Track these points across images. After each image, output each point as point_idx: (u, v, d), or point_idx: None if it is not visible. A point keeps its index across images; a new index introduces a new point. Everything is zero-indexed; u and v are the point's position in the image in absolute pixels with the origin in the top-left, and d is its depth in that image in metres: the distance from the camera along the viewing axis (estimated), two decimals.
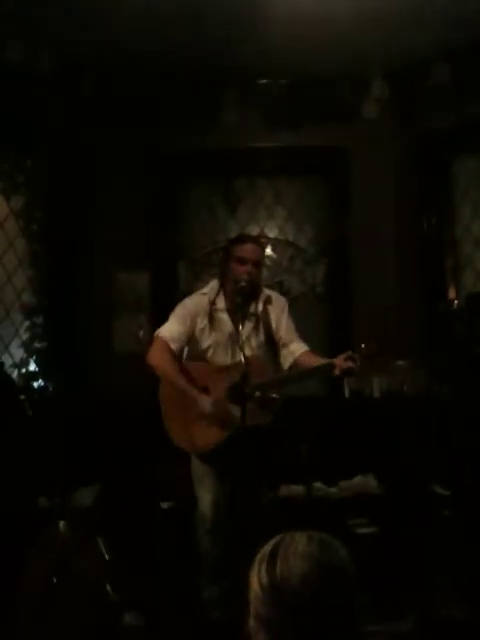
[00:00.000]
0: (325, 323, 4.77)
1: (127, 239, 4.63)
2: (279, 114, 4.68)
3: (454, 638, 2.74)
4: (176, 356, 3.01)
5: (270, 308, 3.06)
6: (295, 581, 1.09)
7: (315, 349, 3.12)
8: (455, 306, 4.35)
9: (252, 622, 1.12)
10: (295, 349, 3.04)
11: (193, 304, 3.07)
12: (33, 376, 4.40)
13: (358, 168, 4.71)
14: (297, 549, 1.13)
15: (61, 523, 1.75)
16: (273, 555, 1.14)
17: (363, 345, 2.78)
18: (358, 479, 3.88)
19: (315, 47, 4.12)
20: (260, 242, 3.17)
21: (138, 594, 3.03)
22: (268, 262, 4.62)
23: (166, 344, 3.00)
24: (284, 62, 4.33)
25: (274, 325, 3.04)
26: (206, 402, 2.87)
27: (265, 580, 1.12)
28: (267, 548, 1.16)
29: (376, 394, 4.06)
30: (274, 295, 3.15)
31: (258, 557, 1.16)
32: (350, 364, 2.75)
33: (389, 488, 3.77)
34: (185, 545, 3.14)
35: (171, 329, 3.03)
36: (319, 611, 1.08)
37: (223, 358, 3.01)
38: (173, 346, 3.00)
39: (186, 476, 3.07)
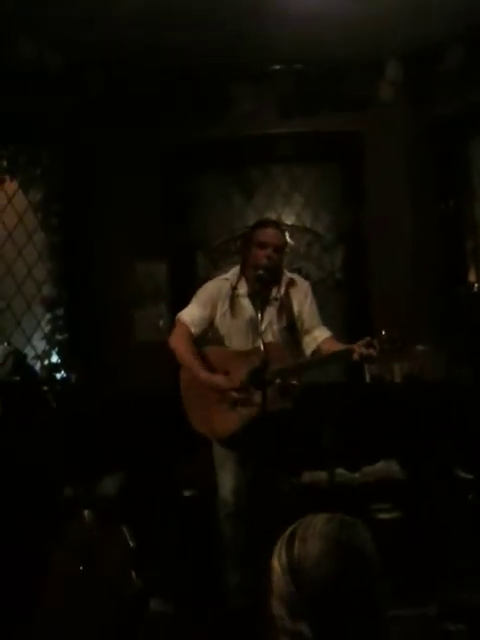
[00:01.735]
0: (344, 309, 4.76)
1: (144, 229, 4.64)
2: (293, 101, 4.65)
3: (475, 624, 2.74)
4: (195, 340, 3.02)
5: (293, 292, 3.05)
6: (313, 561, 1.09)
7: (334, 335, 3.11)
8: (476, 289, 4.31)
9: (274, 604, 1.12)
10: (318, 335, 3.03)
11: (215, 288, 3.08)
12: (56, 367, 4.45)
13: (373, 153, 4.67)
14: (316, 529, 1.12)
15: (86, 512, 1.77)
16: (292, 535, 1.14)
17: (383, 331, 2.76)
18: (380, 464, 3.87)
19: (328, 32, 4.08)
20: (281, 227, 3.15)
21: (163, 581, 3.07)
22: (286, 249, 4.60)
23: (186, 328, 3.01)
24: (297, 48, 4.29)
25: (297, 310, 3.03)
26: (218, 379, 2.88)
27: (284, 560, 1.12)
28: (289, 529, 1.16)
29: (397, 379, 4.05)
30: (298, 279, 3.14)
31: (280, 539, 1.16)
32: (370, 351, 2.74)
33: (412, 473, 3.76)
34: (208, 532, 3.17)
35: (192, 313, 3.04)
36: (338, 592, 1.07)
37: (243, 343, 3.01)
38: (193, 330, 3.01)
39: (208, 464, 3.09)
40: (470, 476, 3.57)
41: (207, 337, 3.12)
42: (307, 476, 3.74)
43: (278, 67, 4.63)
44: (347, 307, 4.77)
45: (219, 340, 3.08)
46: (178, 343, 3.02)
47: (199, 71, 4.49)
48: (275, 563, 1.13)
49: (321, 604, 1.07)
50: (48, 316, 4.52)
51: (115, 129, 4.53)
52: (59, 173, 4.53)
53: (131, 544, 1.63)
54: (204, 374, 2.91)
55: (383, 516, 3.53)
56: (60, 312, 4.52)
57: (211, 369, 2.97)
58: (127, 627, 1.66)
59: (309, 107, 4.64)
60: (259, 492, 2.86)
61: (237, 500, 2.94)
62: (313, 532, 1.13)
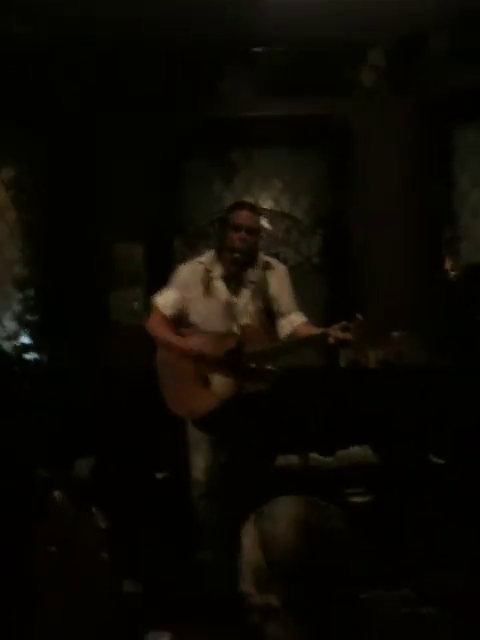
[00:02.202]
0: (321, 294, 4.75)
1: (122, 210, 4.59)
2: (276, 84, 4.61)
3: (448, 607, 2.77)
4: (171, 322, 3.00)
5: (269, 275, 3.03)
6: (282, 539, 1.09)
7: (312, 320, 3.11)
8: (453, 276, 4.34)
9: (244, 580, 1.11)
10: (293, 319, 3.03)
11: (189, 271, 3.06)
12: (27, 348, 4.39)
13: (355, 138, 4.66)
14: (286, 509, 1.13)
15: (57, 493, 1.74)
16: (262, 514, 1.14)
17: (358, 316, 2.77)
18: (354, 449, 3.89)
19: (313, 16, 4.05)
20: (256, 209, 3.13)
21: (136, 563, 3.06)
22: (264, 234, 4.58)
23: (162, 312, 3.00)
24: (282, 30, 4.25)
25: (272, 293, 3.01)
26: (203, 348, 2.85)
27: (255, 537, 1.12)
28: (259, 509, 1.16)
29: (372, 364, 4.06)
30: (274, 262, 3.13)
31: (250, 518, 1.16)
32: (346, 335, 2.74)
33: (385, 458, 3.78)
34: (180, 514, 3.16)
35: (166, 297, 3.03)
36: (306, 569, 1.07)
37: (219, 326, 2.99)
38: (168, 313, 3.00)
39: (182, 446, 3.08)
40: (442, 461, 3.60)
41: (183, 321, 3.09)
42: (281, 459, 3.75)
43: (261, 49, 4.58)
44: (325, 293, 4.77)
45: (194, 323, 3.06)
46: (156, 327, 3.01)
47: (182, 53, 4.43)
48: (245, 540, 1.13)
49: (290, 581, 1.06)
50: (19, 296, 4.45)
51: (94, 109, 4.46)
52: (33, 150, 4.45)
53: (102, 525, 1.61)
54: (187, 346, 2.90)
55: (356, 500, 3.56)
56: (31, 292, 4.44)
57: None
58: (99, 608, 1.64)
59: (292, 91, 4.61)
60: (233, 474, 2.86)
61: (210, 481, 2.94)
62: (283, 511, 1.13)
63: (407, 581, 2.90)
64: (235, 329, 2.77)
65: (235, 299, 2.88)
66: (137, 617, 2.77)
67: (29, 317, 4.42)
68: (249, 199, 4.77)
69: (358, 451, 3.86)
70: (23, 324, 4.42)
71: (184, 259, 4.52)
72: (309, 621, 1.04)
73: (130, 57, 4.44)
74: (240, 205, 3.11)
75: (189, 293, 3.02)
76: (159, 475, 3.77)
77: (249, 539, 1.13)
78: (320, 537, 1.10)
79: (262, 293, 3.00)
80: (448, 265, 4.45)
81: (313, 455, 3.80)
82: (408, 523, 3.33)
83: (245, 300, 2.97)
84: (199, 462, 2.97)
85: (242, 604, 1.11)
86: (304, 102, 4.62)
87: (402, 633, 2.58)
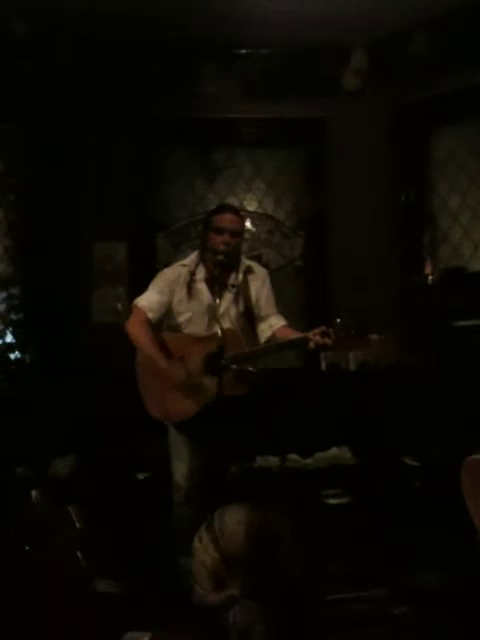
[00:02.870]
0: (303, 297, 4.79)
1: (105, 209, 4.59)
2: (259, 85, 4.63)
3: (424, 606, 2.82)
4: (153, 325, 3.01)
5: (251, 279, 3.05)
6: (233, 540, 1.29)
7: (293, 322, 3.14)
8: (430, 280, 4.40)
9: (200, 578, 1.21)
10: (274, 323, 3.05)
11: (173, 274, 3.07)
12: (9, 348, 4.38)
13: (337, 140, 4.69)
14: (234, 516, 1.33)
15: (33, 492, 1.75)
16: (211, 522, 1.35)
17: (338, 320, 2.79)
18: (333, 451, 3.94)
19: (296, 18, 4.07)
20: (239, 212, 3.14)
21: (114, 563, 3.07)
22: (247, 236, 4.60)
23: (143, 313, 3.00)
24: (265, 32, 4.28)
25: (254, 297, 3.04)
26: (176, 371, 2.87)
27: (207, 538, 1.34)
28: (208, 518, 1.28)
29: (352, 367, 4.11)
30: (255, 266, 3.15)
31: (201, 527, 1.28)
32: (325, 339, 2.76)
33: (362, 460, 3.83)
34: (161, 515, 3.18)
35: (149, 298, 3.03)
36: (252, 564, 1.26)
37: (201, 329, 3.01)
38: (150, 315, 3.00)
39: (163, 446, 3.09)
40: (417, 463, 3.66)
41: (163, 324, 3.11)
42: (260, 461, 3.78)
43: (245, 50, 4.60)
44: (306, 294, 4.81)
45: (176, 327, 3.07)
46: (136, 329, 3.00)
47: (166, 52, 4.44)
48: (197, 544, 1.33)
49: (245, 572, 1.26)
50: (3, 294, 4.44)
51: (78, 106, 4.45)
52: (18, 148, 4.43)
53: (78, 524, 1.62)
54: (163, 363, 2.90)
55: (333, 501, 3.60)
56: (15, 291, 4.44)
57: (168, 355, 2.96)
58: (73, 607, 1.66)
59: (275, 92, 4.63)
60: (213, 477, 2.87)
61: (190, 485, 2.95)
62: (232, 516, 1.33)
63: (381, 581, 2.96)
64: (217, 332, 2.78)
65: (217, 302, 2.89)
66: (116, 618, 2.79)
67: (13, 316, 4.41)
68: (233, 200, 4.81)
69: (336, 453, 3.90)
70: (6, 323, 4.40)
71: (167, 257, 4.58)
72: (266, 605, 1.20)
73: (114, 56, 4.44)
74: (223, 208, 3.12)
75: (172, 295, 3.03)
76: (141, 476, 3.79)
77: (201, 543, 1.31)
78: (263, 534, 1.29)
79: (243, 297, 3.02)
80: (427, 269, 4.51)
81: (292, 456, 3.84)
82: (383, 524, 3.38)
83: (227, 303, 2.99)
84: (180, 466, 2.97)
85: (191, 602, 1.23)
86: (287, 103, 4.65)
87: (375, 632, 2.63)
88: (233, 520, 1.31)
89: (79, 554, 1.56)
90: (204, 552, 1.29)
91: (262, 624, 1.18)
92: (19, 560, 1.69)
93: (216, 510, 1.35)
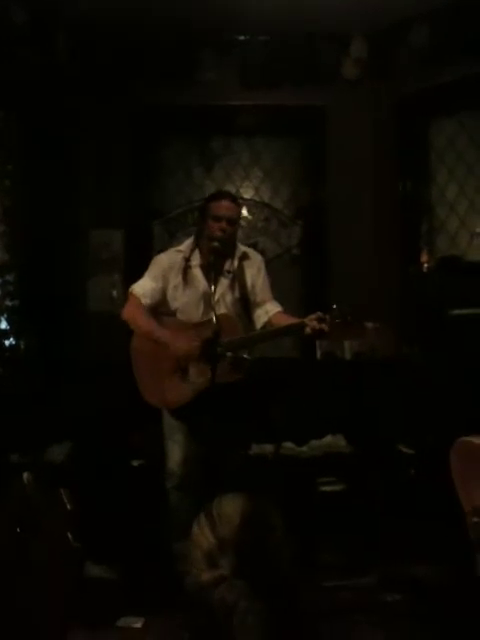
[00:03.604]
0: (300, 285, 4.78)
1: (101, 196, 4.57)
2: (257, 72, 4.61)
3: (417, 594, 2.83)
4: (148, 311, 3.01)
5: (246, 265, 3.05)
6: (227, 524, 1.32)
7: (289, 311, 3.13)
8: (425, 269, 4.39)
9: (195, 560, 1.31)
10: (269, 309, 3.05)
11: (167, 260, 3.06)
12: (4, 334, 4.37)
13: (336, 129, 4.67)
14: (230, 503, 1.37)
15: (25, 474, 1.74)
16: (210, 509, 1.37)
17: (334, 306, 2.79)
18: (328, 439, 3.94)
19: (296, 5, 4.04)
20: (236, 199, 3.13)
21: (109, 548, 3.08)
22: (243, 223, 4.59)
23: (139, 300, 3.00)
24: (264, 19, 4.25)
25: (249, 283, 3.03)
26: (180, 344, 2.86)
27: (205, 523, 1.34)
28: (205, 507, 1.38)
29: (347, 356, 4.10)
30: (251, 252, 3.14)
31: (199, 514, 1.38)
32: (322, 325, 2.75)
33: (357, 448, 3.83)
34: (156, 502, 3.18)
35: (144, 285, 3.02)
36: (249, 547, 1.30)
37: (196, 315, 3.00)
38: (145, 302, 3.00)
39: (158, 434, 3.09)
40: (411, 451, 3.66)
41: (158, 311, 3.10)
42: (255, 448, 3.78)
43: (244, 37, 4.57)
44: (303, 283, 4.80)
45: (171, 313, 3.06)
46: (133, 314, 3.00)
47: (164, 38, 4.41)
48: (195, 528, 1.36)
49: (236, 553, 1.29)
50: None
51: (75, 93, 4.43)
52: (14, 134, 4.40)
53: (68, 507, 1.62)
54: (166, 336, 2.90)
55: (328, 489, 3.60)
56: (11, 277, 4.42)
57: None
58: (65, 590, 1.65)
59: (273, 79, 4.61)
60: (207, 464, 2.87)
61: (184, 472, 2.94)
62: (228, 503, 1.37)
63: (374, 569, 2.97)
64: (212, 318, 2.78)
65: (213, 288, 2.88)
66: (110, 603, 2.79)
67: (8, 302, 4.39)
68: (230, 187, 4.79)
69: (331, 441, 3.90)
70: (1, 309, 4.39)
71: (163, 246, 4.56)
72: (253, 584, 1.26)
73: (112, 42, 4.41)
74: (220, 195, 3.11)
75: (167, 282, 3.02)
76: (135, 463, 3.78)
77: (199, 527, 1.35)
78: (256, 521, 1.35)
79: (239, 283, 3.01)
80: (424, 258, 4.50)
81: (287, 444, 3.84)
82: (377, 512, 3.38)
83: (222, 290, 2.99)
84: (174, 453, 2.97)
85: (185, 587, 1.32)
86: (285, 92, 4.63)
87: (368, 619, 2.64)
88: (230, 507, 1.38)
89: (69, 536, 1.55)
90: (201, 535, 1.36)
91: (246, 600, 1.24)
92: (9, 542, 1.69)
93: (215, 497, 1.41)
